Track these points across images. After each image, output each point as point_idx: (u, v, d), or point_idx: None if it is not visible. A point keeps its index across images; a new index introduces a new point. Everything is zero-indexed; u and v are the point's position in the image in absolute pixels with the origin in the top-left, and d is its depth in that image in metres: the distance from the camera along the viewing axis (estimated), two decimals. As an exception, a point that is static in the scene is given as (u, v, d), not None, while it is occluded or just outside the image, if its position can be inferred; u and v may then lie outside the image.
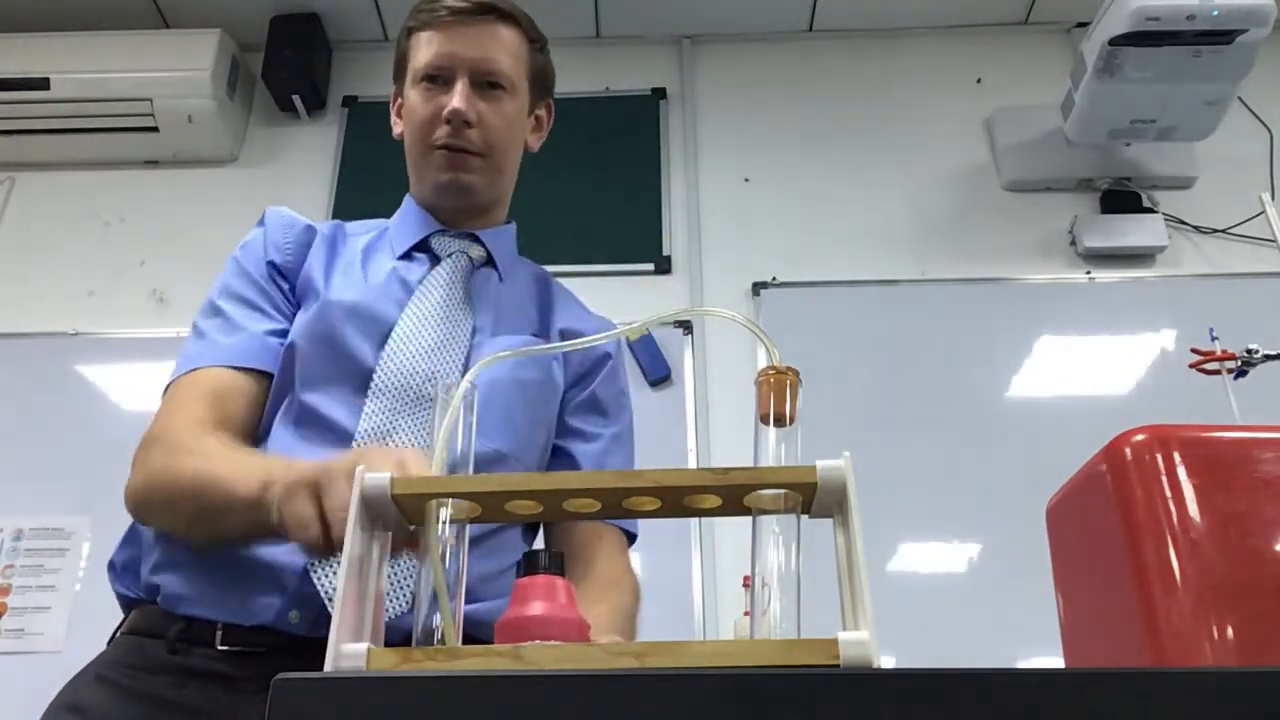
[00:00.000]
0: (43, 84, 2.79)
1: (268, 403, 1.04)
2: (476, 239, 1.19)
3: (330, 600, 0.89)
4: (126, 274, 2.79)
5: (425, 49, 1.14)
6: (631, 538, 1.13)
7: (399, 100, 1.21)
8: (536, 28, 1.21)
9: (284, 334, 1.07)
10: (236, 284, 1.10)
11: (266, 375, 1.04)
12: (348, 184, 2.88)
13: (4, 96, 2.80)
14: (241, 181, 2.93)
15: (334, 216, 2.78)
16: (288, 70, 2.92)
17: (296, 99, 2.95)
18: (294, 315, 1.09)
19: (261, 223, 1.15)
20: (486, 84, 1.14)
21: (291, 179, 2.91)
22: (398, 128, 1.21)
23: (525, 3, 1.20)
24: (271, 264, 1.11)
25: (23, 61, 2.81)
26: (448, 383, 0.63)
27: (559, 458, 1.14)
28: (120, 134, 2.86)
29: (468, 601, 0.60)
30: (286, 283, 1.11)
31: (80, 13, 2.92)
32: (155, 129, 2.85)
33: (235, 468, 0.89)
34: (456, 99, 1.11)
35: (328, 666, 0.49)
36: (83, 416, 2.53)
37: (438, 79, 1.13)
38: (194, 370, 1.03)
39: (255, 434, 1.02)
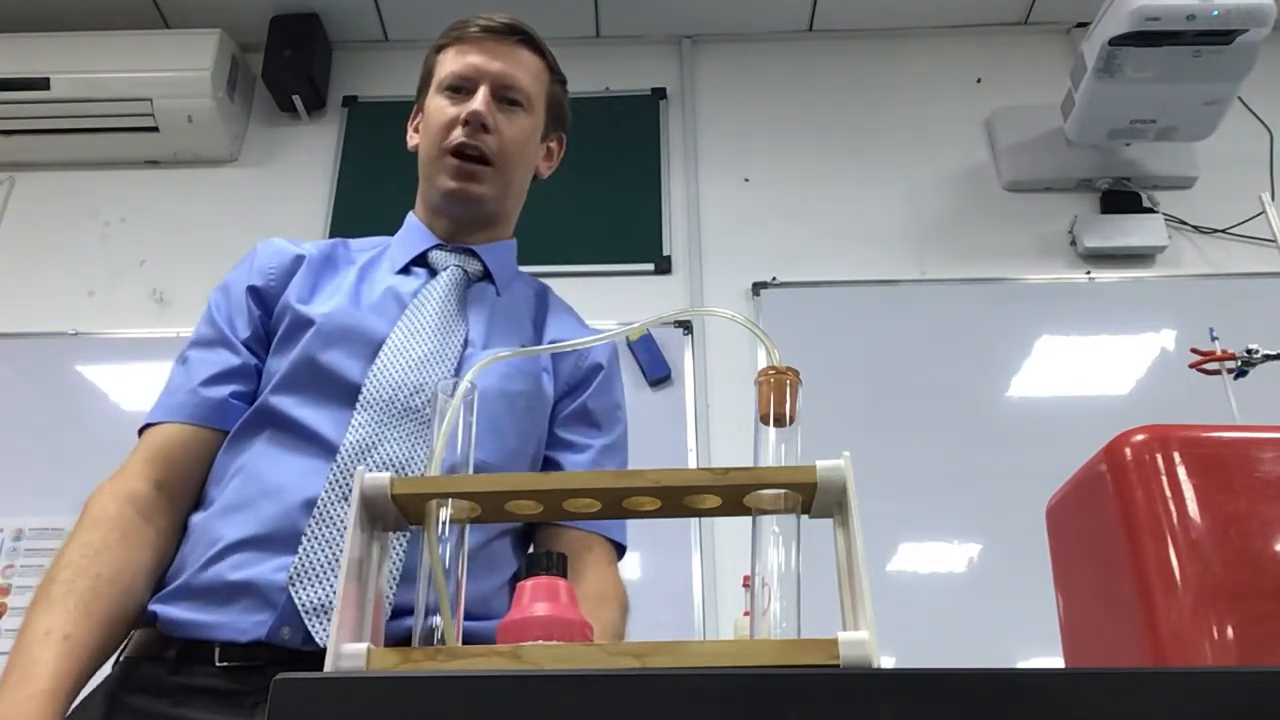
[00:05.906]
0: (43, 84, 2.79)
1: (249, 413, 1.06)
2: (474, 254, 1.20)
3: (308, 614, 0.92)
4: (126, 274, 2.79)
5: (452, 61, 1.18)
6: (621, 550, 1.13)
7: (419, 115, 1.24)
8: (558, 65, 1.26)
9: (251, 370, 1.10)
10: (205, 328, 1.13)
11: (217, 430, 1.07)
12: (348, 184, 2.88)
13: (4, 96, 2.80)
14: (241, 181, 2.93)
15: (334, 216, 2.82)
16: (288, 70, 2.92)
17: (296, 99, 2.95)
18: (269, 342, 1.11)
19: (253, 250, 1.18)
20: (506, 99, 1.18)
21: (291, 179, 2.91)
22: (413, 140, 1.24)
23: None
24: (252, 288, 1.13)
25: (23, 61, 2.80)
26: (446, 384, 0.63)
27: (548, 468, 1.14)
28: (120, 134, 2.85)
29: (464, 619, 0.60)
30: (263, 308, 1.13)
31: (80, 13, 2.92)
32: (155, 129, 2.85)
33: (58, 589, 0.93)
34: (477, 103, 1.15)
35: (328, 666, 0.49)
36: (83, 416, 2.53)
37: (461, 89, 1.17)
38: (151, 425, 1.08)
39: (201, 485, 1.06)
